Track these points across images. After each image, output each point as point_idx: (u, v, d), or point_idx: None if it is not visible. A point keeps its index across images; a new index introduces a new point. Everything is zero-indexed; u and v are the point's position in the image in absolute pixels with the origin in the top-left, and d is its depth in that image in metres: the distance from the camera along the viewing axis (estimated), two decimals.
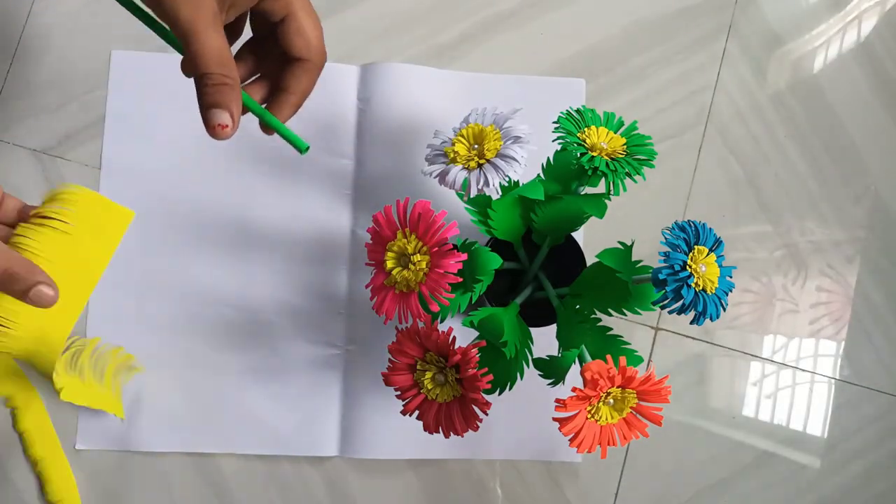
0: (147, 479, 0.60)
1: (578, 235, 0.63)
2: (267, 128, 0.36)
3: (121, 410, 0.58)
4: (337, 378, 0.61)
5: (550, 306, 0.50)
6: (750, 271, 0.66)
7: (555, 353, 0.47)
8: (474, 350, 0.40)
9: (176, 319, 0.60)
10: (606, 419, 0.40)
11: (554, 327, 0.50)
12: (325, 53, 0.37)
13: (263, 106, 0.37)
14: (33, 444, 0.58)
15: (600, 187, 0.47)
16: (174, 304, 0.61)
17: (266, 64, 0.38)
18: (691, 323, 0.40)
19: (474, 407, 0.41)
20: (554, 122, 0.45)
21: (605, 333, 0.48)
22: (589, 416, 0.40)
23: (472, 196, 0.43)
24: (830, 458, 0.65)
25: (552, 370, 0.46)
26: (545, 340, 0.52)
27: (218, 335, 0.61)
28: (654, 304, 0.41)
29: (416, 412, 0.43)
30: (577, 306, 0.48)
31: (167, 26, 0.33)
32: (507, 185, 0.46)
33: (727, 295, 0.41)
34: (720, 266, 0.40)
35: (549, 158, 0.51)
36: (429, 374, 0.42)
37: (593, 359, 0.45)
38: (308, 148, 0.36)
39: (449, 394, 0.42)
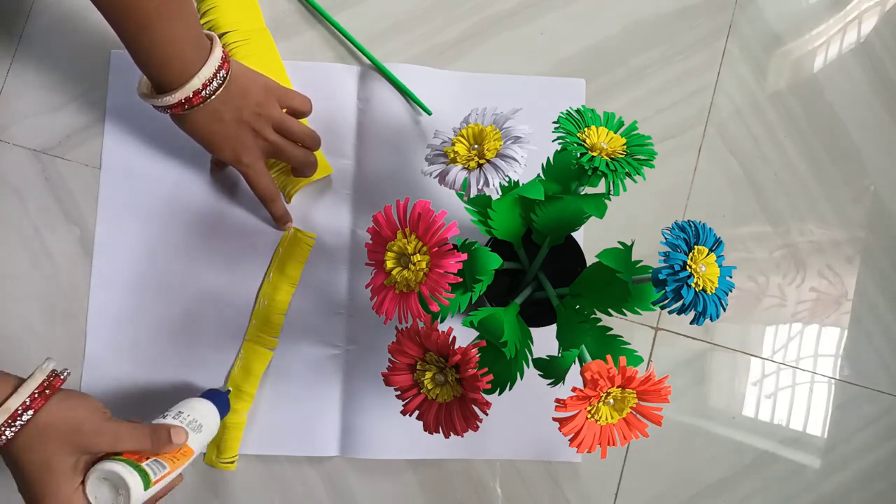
0: None
1: (578, 235, 0.63)
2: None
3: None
4: (337, 378, 0.61)
5: (550, 306, 0.50)
6: (750, 271, 0.66)
7: (555, 353, 0.47)
8: (474, 350, 0.40)
9: (176, 318, 0.60)
10: (606, 419, 0.40)
11: (554, 327, 0.50)
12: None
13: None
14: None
15: (600, 187, 0.47)
16: (174, 303, 0.61)
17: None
18: (691, 323, 0.40)
19: (474, 407, 0.41)
20: (554, 122, 0.45)
21: (605, 333, 0.48)
22: (589, 416, 0.40)
23: (472, 196, 0.43)
24: (830, 458, 0.65)
25: (552, 370, 0.46)
26: (545, 340, 0.52)
27: (218, 335, 0.61)
28: (654, 304, 0.41)
29: (416, 412, 0.43)
30: (577, 306, 0.48)
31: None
32: (507, 185, 0.46)
33: (727, 295, 0.41)
34: (720, 266, 0.40)
35: (549, 158, 0.51)
36: (429, 374, 0.42)
37: (593, 359, 0.45)
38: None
39: (449, 394, 0.42)
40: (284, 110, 0.58)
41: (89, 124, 0.62)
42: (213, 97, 0.52)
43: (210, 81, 0.51)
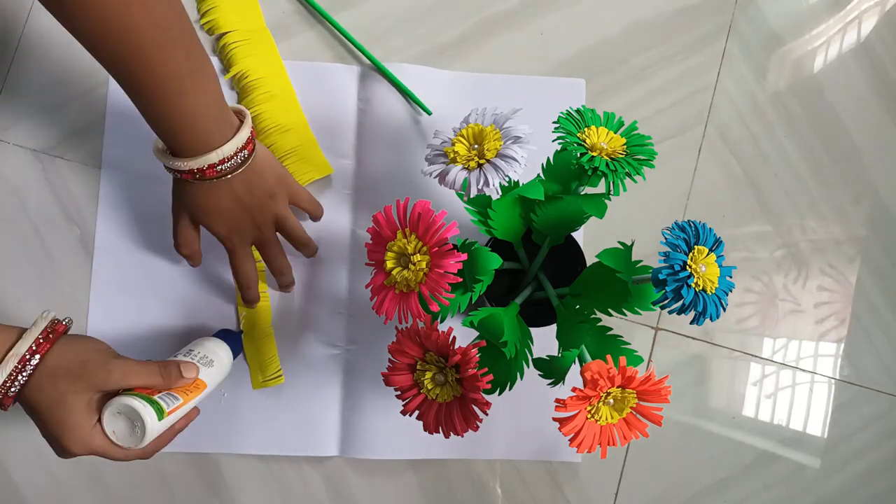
0: (147, 479, 0.60)
1: (578, 235, 0.63)
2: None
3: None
4: (337, 378, 0.61)
5: (550, 306, 0.50)
6: (750, 271, 0.66)
7: (555, 353, 0.47)
8: (474, 350, 0.40)
9: (176, 319, 0.60)
10: (606, 419, 0.40)
11: (554, 327, 0.50)
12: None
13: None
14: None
15: (600, 187, 0.47)
16: (174, 303, 0.61)
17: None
18: (691, 323, 0.40)
19: (474, 407, 0.41)
20: (554, 122, 0.45)
21: (605, 333, 0.48)
22: (589, 416, 0.40)
23: (472, 196, 0.43)
24: (830, 458, 0.65)
25: (552, 370, 0.46)
26: (545, 340, 0.52)
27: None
28: (654, 304, 0.41)
29: (416, 412, 0.43)
30: (577, 306, 0.48)
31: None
32: (507, 185, 0.46)
33: (727, 295, 0.41)
34: (720, 266, 0.40)
35: (549, 158, 0.51)
36: (429, 374, 0.42)
37: (593, 359, 0.45)
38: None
39: (449, 394, 0.42)
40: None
41: (89, 124, 0.62)
42: (229, 175, 0.49)
43: (229, 159, 0.48)
